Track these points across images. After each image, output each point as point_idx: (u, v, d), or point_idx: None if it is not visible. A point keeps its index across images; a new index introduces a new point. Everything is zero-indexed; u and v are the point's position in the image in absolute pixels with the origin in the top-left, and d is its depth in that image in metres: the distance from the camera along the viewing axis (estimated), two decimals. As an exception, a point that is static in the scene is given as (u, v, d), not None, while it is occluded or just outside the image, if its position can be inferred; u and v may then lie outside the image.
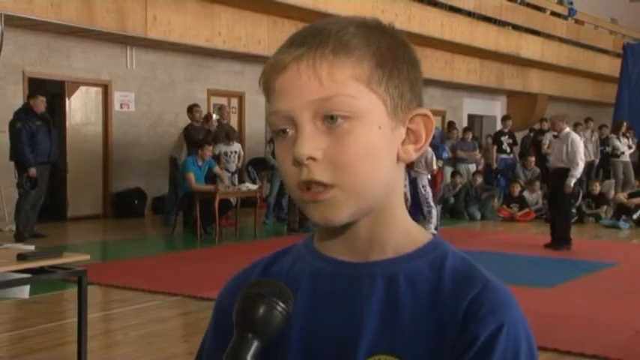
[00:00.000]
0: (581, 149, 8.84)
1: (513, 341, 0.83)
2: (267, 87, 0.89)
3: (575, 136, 9.05)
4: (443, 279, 0.88)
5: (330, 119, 0.84)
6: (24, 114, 9.29)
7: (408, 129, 0.89)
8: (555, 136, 9.34)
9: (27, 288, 3.98)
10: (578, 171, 8.78)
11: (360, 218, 0.89)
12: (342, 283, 0.90)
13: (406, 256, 0.90)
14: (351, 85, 0.84)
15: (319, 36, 0.86)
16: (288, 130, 0.86)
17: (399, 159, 0.89)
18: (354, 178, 0.84)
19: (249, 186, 10.67)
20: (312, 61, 0.85)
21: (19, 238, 8.84)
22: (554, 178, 9.09)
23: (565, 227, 9.17)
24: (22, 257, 3.68)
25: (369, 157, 0.85)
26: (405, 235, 0.92)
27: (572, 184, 8.75)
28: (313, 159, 0.84)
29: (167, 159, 11.54)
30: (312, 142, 0.84)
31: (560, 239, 9.11)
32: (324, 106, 0.84)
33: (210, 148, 10.29)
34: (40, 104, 9.31)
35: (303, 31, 0.89)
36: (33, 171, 9.13)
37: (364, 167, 0.85)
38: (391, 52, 0.88)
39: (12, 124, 9.27)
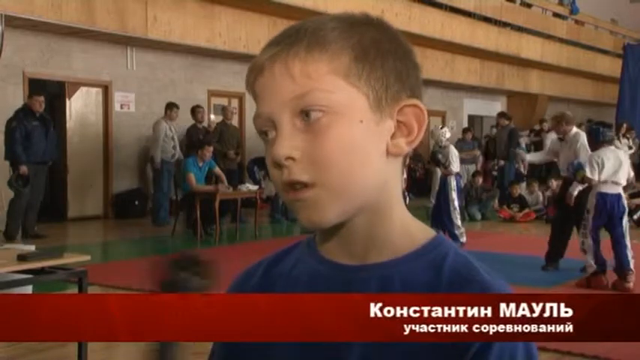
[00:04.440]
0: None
1: (510, 344, 0.80)
2: (252, 91, 0.87)
3: (584, 136, 7.37)
4: (440, 281, 0.84)
5: (305, 115, 0.82)
6: (22, 114, 9.28)
7: (398, 121, 0.86)
8: (561, 139, 7.58)
9: (29, 288, 3.98)
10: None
11: (353, 218, 0.86)
12: (336, 287, 0.87)
13: (404, 257, 0.87)
14: (326, 80, 0.82)
15: (295, 34, 0.84)
16: (269, 132, 0.85)
17: (389, 153, 0.85)
18: (335, 176, 0.82)
19: (249, 186, 10.68)
20: (284, 61, 0.83)
21: (8, 236, 8.78)
22: (565, 187, 7.38)
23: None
24: (22, 258, 3.69)
25: (349, 153, 0.82)
26: (404, 234, 0.88)
27: (574, 193, 6.98)
28: (292, 159, 0.82)
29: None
30: (289, 142, 0.82)
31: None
32: (299, 103, 0.82)
33: (211, 148, 10.30)
34: (36, 104, 9.28)
35: (283, 31, 0.87)
36: (24, 168, 9.06)
37: (345, 163, 0.82)
38: (374, 43, 0.85)
39: (8, 124, 9.26)
